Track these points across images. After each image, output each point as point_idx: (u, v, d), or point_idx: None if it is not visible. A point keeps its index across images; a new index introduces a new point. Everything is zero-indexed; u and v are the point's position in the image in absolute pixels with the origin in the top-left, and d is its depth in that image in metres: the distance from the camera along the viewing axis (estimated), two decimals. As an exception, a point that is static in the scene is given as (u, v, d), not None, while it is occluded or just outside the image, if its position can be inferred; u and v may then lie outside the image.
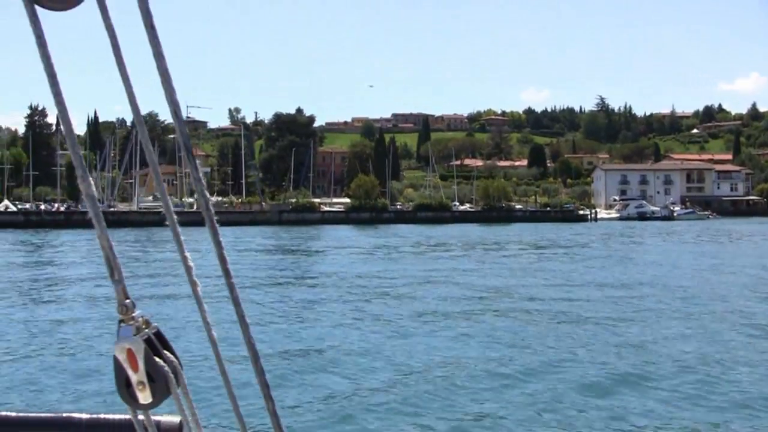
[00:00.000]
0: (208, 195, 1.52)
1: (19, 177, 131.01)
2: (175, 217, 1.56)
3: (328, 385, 15.59)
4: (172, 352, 1.66)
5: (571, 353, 18.58)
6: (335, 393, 15.05)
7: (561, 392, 14.69)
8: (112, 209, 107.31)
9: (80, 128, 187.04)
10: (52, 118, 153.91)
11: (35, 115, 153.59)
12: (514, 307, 26.45)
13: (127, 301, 1.56)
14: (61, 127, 1.47)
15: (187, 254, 1.55)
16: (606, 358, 17.95)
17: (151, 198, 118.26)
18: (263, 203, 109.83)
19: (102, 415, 1.98)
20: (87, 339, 21.02)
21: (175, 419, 1.90)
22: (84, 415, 1.98)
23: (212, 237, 1.51)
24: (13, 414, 1.99)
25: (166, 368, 1.61)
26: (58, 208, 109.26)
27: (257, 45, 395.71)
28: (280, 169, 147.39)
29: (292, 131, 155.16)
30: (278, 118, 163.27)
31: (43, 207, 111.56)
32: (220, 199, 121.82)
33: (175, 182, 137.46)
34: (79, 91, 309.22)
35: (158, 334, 1.64)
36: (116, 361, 1.58)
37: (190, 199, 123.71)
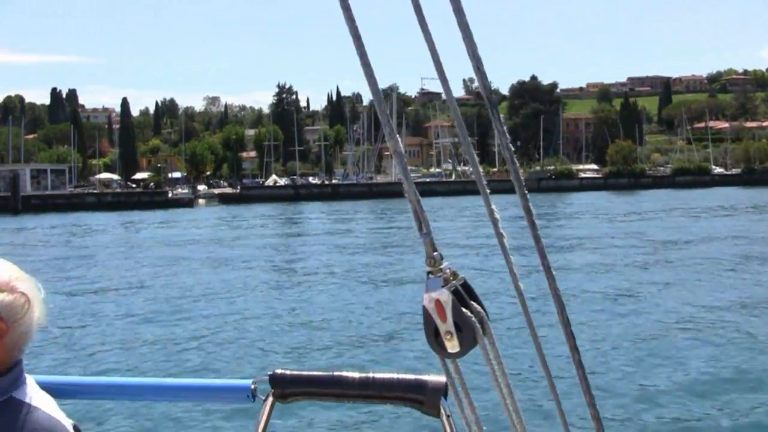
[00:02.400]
0: (517, 164, 1.56)
1: (275, 153, 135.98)
2: (481, 171, 1.63)
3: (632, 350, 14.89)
4: (479, 303, 1.68)
5: None
6: (642, 355, 14.35)
7: None
8: (372, 181, 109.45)
9: (320, 104, 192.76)
10: (302, 96, 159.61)
11: (283, 93, 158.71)
12: None
13: (435, 253, 1.59)
14: (368, 87, 1.49)
15: (494, 207, 1.58)
16: None
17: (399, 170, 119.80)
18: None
19: (371, 374, 2.05)
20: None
21: (442, 378, 1.95)
22: (356, 374, 2.05)
23: (522, 203, 1.54)
24: (288, 372, 2.11)
25: (473, 318, 1.63)
26: (323, 181, 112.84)
27: (489, 14, 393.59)
28: (526, 137, 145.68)
29: (535, 99, 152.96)
30: (520, 86, 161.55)
31: (299, 181, 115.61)
32: (469, 168, 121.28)
33: (430, 153, 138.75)
34: (318, 68, 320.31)
35: (465, 286, 1.66)
36: (425, 311, 1.61)
37: (437, 169, 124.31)
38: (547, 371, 1.73)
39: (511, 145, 1.57)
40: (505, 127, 1.57)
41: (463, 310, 1.63)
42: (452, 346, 1.63)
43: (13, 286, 1.97)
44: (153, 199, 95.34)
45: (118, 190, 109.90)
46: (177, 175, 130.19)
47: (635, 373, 13.11)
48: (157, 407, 10.83)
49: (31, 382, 2.08)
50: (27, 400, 2.00)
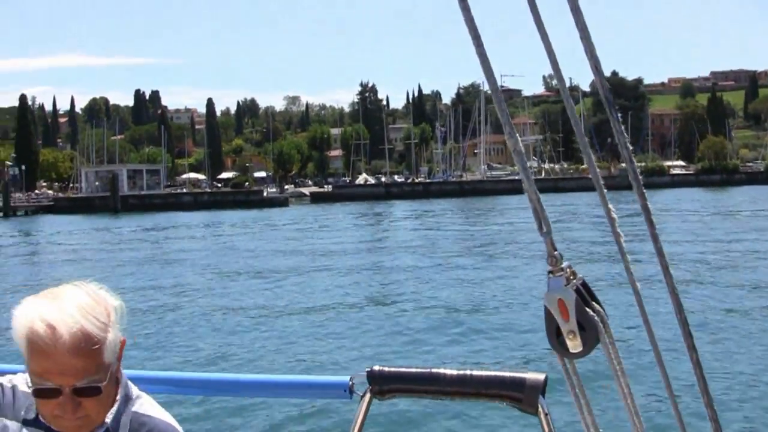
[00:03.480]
0: (635, 162, 1.58)
1: (361, 151, 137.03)
2: (600, 176, 1.63)
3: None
4: (598, 303, 1.67)
5: None
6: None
7: None
8: (462, 179, 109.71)
9: (398, 103, 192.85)
10: (381, 95, 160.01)
11: (366, 92, 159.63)
12: None
13: (556, 252, 1.59)
14: (486, 86, 1.61)
15: (611, 206, 1.58)
16: None
17: (485, 168, 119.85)
18: (611, 168, 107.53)
19: (469, 371, 2.04)
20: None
21: (540, 376, 1.96)
22: (454, 371, 2.05)
23: (641, 202, 1.55)
24: (386, 369, 2.13)
25: (596, 318, 1.62)
26: (412, 179, 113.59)
27: (566, 9, 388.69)
28: (612, 134, 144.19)
29: (620, 95, 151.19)
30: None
31: (383, 179, 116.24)
32: (556, 166, 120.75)
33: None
34: (396, 67, 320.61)
35: (585, 285, 1.65)
36: (547, 311, 1.61)
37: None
38: (663, 369, 1.71)
39: (629, 144, 1.59)
40: (623, 127, 1.56)
41: (587, 309, 1.62)
42: (575, 345, 1.62)
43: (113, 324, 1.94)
44: (248, 198, 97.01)
45: (207, 189, 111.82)
46: (262, 174, 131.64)
47: (756, 375, 12.77)
48: (252, 403, 10.94)
49: (134, 389, 2.09)
50: (144, 411, 2.03)
